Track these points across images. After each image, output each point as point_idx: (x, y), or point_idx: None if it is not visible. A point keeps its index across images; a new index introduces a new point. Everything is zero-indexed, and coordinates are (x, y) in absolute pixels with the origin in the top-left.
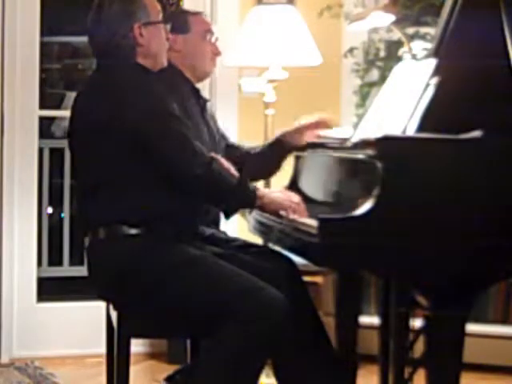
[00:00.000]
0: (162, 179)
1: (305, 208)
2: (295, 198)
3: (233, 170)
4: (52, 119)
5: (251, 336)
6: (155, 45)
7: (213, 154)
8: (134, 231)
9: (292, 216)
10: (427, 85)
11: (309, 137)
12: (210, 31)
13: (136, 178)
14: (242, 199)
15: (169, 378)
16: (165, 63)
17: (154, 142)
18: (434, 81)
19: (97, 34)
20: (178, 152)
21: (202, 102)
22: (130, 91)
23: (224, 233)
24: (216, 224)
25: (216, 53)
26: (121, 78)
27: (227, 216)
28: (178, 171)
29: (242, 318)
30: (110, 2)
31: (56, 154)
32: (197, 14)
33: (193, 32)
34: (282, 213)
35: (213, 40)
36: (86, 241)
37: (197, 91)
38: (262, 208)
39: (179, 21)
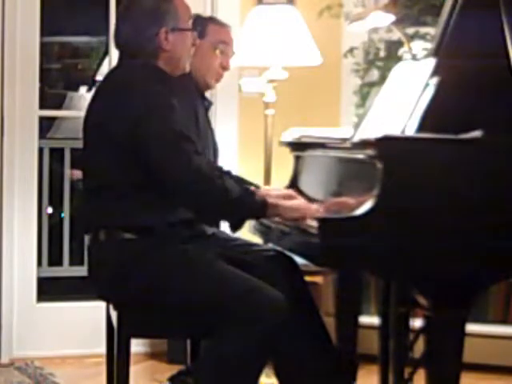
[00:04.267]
0: (162, 187)
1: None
2: (312, 205)
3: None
4: (52, 119)
5: (251, 337)
6: (179, 51)
7: (217, 172)
8: (134, 236)
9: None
10: (427, 84)
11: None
12: (224, 43)
13: (137, 185)
14: (249, 211)
15: (172, 378)
16: (187, 69)
17: (158, 160)
18: (434, 81)
19: (122, 31)
20: (179, 171)
21: (206, 104)
22: (141, 102)
23: (225, 232)
24: (217, 224)
25: (224, 66)
26: (135, 83)
27: (233, 228)
28: (179, 190)
29: (241, 319)
30: (140, 3)
31: (56, 154)
32: (220, 24)
33: (206, 39)
34: (309, 221)
35: (229, 54)
36: (87, 239)
37: (202, 93)
38: (280, 216)
39: (197, 25)
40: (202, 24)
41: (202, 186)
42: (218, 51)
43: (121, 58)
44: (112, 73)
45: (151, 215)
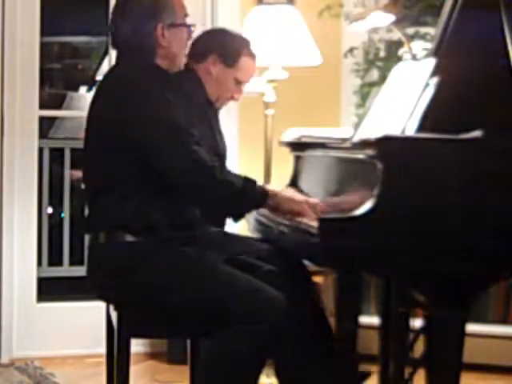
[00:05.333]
0: (163, 187)
1: (323, 205)
2: (310, 199)
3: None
4: (52, 119)
5: (251, 336)
6: (176, 47)
7: (218, 164)
8: (134, 238)
9: (307, 219)
10: (427, 84)
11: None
12: (247, 80)
13: (137, 186)
14: (250, 201)
15: None
16: (182, 66)
17: (158, 155)
18: (434, 81)
19: (121, 30)
20: (180, 164)
21: (214, 107)
22: (140, 99)
23: (227, 232)
24: (222, 225)
25: (236, 98)
26: (134, 82)
27: (236, 219)
28: (181, 184)
29: (241, 319)
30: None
31: (56, 154)
32: (251, 56)
33: (235, 71)
34: (301, 218)
35: (242, 88)
36: (87, 239)
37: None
38: (277, 206)
39: (232, 51)
40: (237, 51)
41: (203, 178)
42: (237, 86)
43: (119, 57)
44: (111, 72)
45: (152, 217)
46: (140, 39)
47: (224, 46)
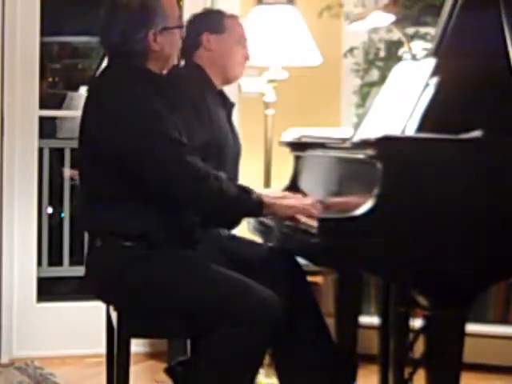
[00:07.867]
0: (157, 194)
1: (320, 207)
2: (307, 200)
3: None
4: (53, 119)
5: (247, 337)
6: (168, 50)
7: (213, 172)
8: (130, 243)
9: (305, 219)
10: (427, 84)
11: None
12: (244, 37)
13: (132, 191)
14: (245, 210)
15: (169, 369)
16: (175, 63)
17: (151, 167)
18: (434, 80)
19: (111, 34)
20: (173, 176)
21: (228, 106)
22: (129, 110)
23: (227, 232)
24: (230, 227)
25: (246, 57)
26: (123, 92)
27: (229, 227)
28: (175, 194)
29: (236, 320)
30: (127, 3)
31: (56, 154)
32: (233, 16)
33: (228, 33)
34: (300, 217)
35: (246, 46)
36: (87, 239)
37: (222, 94)
38: (274, 215)
39: (214, 20)
40: (218, 19)
41: (197, 186)
42: (240, 47)
43: (110, 59)
44: (102, 75)
45: (147, 223)
46: (130, 46)
47: (207, 21)
